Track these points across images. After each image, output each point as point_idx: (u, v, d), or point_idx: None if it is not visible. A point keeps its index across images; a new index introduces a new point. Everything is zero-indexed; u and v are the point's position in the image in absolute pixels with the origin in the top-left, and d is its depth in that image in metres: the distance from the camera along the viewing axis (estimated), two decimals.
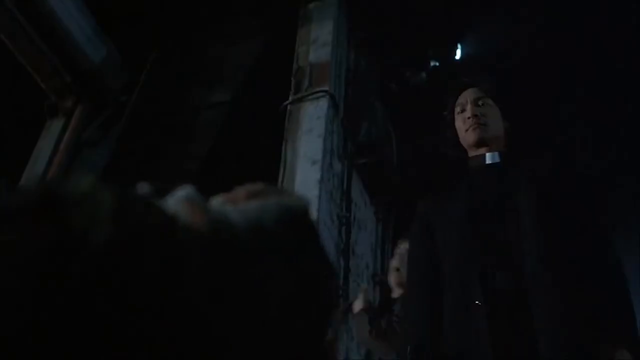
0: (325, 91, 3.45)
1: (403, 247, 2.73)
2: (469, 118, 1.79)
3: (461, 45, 4.28)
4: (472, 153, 1.81)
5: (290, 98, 3.52)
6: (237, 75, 4.10)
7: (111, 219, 0.31)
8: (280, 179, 3.18)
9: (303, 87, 3.51)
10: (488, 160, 1.77)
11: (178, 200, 0.39)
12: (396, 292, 2.78)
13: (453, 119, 1.88)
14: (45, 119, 4.09)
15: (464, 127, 1.81)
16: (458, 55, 4.28)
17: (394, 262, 2.85)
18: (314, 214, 1.81)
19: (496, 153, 1.78)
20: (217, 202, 0.45)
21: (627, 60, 4.11)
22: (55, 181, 0.33)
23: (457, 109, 1.86)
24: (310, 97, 3.46)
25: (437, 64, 4.33)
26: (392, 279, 2.83)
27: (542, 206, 1.59)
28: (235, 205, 0.44)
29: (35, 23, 3.70)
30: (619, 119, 4.50)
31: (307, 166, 3.16)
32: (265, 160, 3.40)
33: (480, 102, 1.81)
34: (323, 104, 3.42)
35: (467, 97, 1.85)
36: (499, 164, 1.76)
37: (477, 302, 1.51)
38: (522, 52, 4.16)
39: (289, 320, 0.39)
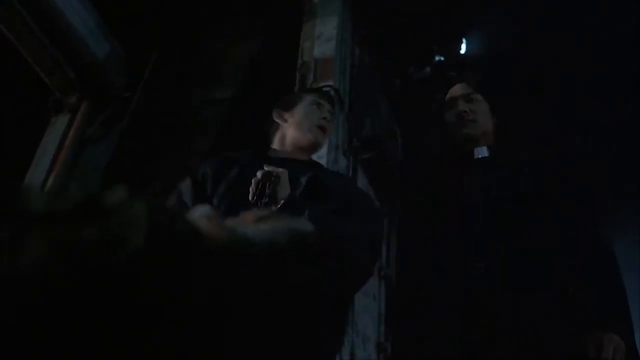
0: (330, 86, 3.44)
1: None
2: (458, 114, 1.80)
3: (466, 39, 4.27)
4: (461, 148, 1.82)
5: None
6: (239, 73, 4.10)
7: (146, 225, 0.35)
8: None
9: (308, 82, 3.50)
10: (477, 155, 1.79)
11: (199, 216, 0.44)
12: None
13: (443, 115, 1.89)
14: (49, 115, 4.09)
15: (453, 122, 1.83)
16: (463, 50, 4.28)
17: None
18: None
19: (485, 147, 1.80)
20: (230, 222, 0.50)
21: (627, 60, 4.10)
22: (97, 191, 0.37)
23: (447, 105, 1.87)
24: None
25: (442, 58, 4.33)
26: None
27: (528, 199, 1.60)
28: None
29: (38, 17, 3.69)
30: (619, 119, 4.50)
31: None
32: None
33: (469, 98, 1.82)
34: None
35: (456, 92, 1.86)
36: (487, 158, 1.77)
37: (459, 294, 1.52)
38: (522, 47, 4.15)
39: (298, 319, 0.44)
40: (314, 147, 1.81)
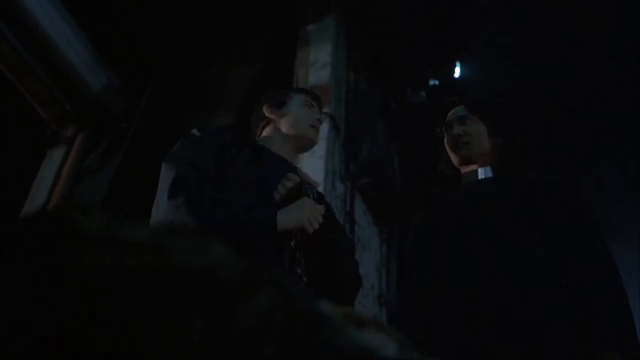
0: (326, 113, 3.45)
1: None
2: (452, 137, 1.81)
3: (460, 63, 4.31)
4: (464, 170, 1.83)
5: None
6: (237, 98, 4.12)
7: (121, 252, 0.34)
8: None
9: None
10: (480, 176, 1.79)
11: None
12: None
13: (443, 138, 1.90)
14: (46, 148, 4.10)
15: (449, 146, 1.84)
16: (457, 74, 4.31)
17: None
18: None
19: (488, 168, 1.80)
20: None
21: (621, 80, 4.13)
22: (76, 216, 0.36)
23: (445, 128, 1.88)
24: None
25: (437, 82, 4.36)
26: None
27: (532, 220, 1.59)
28: None
29: (35, 52, 3.72)
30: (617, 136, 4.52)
31: None
32: None
33: (463, 121, 1.83)
34: (324, 125, 3.42)
35: (451, 116, 1.88)
36: (491, 179, 1.77)
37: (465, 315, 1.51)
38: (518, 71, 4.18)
39: None
40: (310, 146, 1.85)
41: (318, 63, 3.71)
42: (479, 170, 1.77)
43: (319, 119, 1.81)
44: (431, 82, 4.39)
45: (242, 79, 4.20)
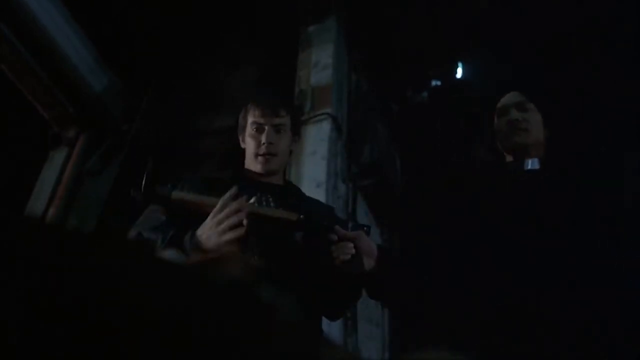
0: (328, 114, 3.45)
1: None
2: (510, 122, 1.74)
3: (462, 64, 4.30)
4: (509, 158, 1.76)
5: None
6: (239, 100, 4.10)
7: None
8: None
9: (305, 110, 3.51)
10: (527, 166, 1.72)
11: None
12: None
13: (493, 121, 1.82)
14: (48, 150, 4.09)
15: (504, 131, 1.76)
16: (459, 74, 4.30)
17: None
18: None
19: (536, 159, 1.73)
20: None
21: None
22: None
23: (498, 112, 1.81)
24: (312, 120, 3.46)
25: (439, 83, 4.35)
26: None
27: (579, 219, 1.53)
28: None
29: (37, 54, 3.71)
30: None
31: (311, 188, 3.14)
32: None
33: (522, 107, 1.77)
34: (326, 126, 3.42)
35: (508, 100, 1.80)
36: (538, 171, 1.70)
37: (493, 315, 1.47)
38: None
39: None
40: (269, 174, 1.78)
41: (319, 65, 3.71)
42: (528, 160, 1.69)
43: (264, 143, 1.75)
44: (433, 83, 4.38)
45: (244, 81, 4.19)
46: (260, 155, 1.73)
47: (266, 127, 1.77)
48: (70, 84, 3.89)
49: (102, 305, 0.31)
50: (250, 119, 1.81)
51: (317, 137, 3.39)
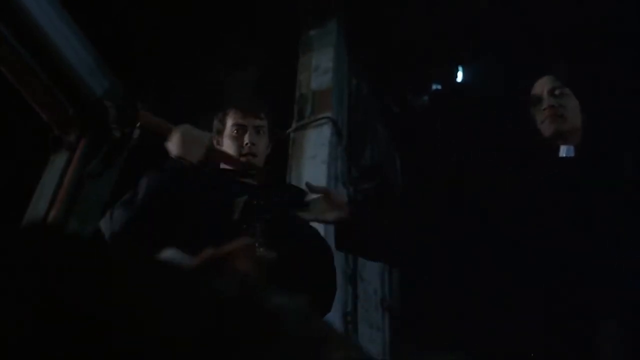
0: (328, 118, 3.45)
1: None
2: (545, 109, 1.69)
3: (462, 67, 4.30)
4: (545, 144, 1.70)
5: (294, 125, 3.52)
6: (239, 100, 4.10)
7: None
8: None
9: (306, 114, 3.52)
10: (562, 153, 1.67)
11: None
12: None
13: (528, 107, 1.77)
14: (48, 154, 4.08)
15: (540, 118, 1.71)
16: (459, 78, 4.30)
17: None
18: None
19: (572, 147, 1.68)
20: None
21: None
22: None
23: (533, 99, 1.76)
24: (313, 124, 3.47)
25: (439, 86, 4.35)
26: None
27: (618, 212, 1.50)
28: None
29: (37, 55, 3.71)
30: None
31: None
32: None
33: (557, 92, 1.71)
34: (326, 130, 3.42)
35: (542, 86, 1.75)
36: (573, 159, 1.65)
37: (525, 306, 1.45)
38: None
39: None
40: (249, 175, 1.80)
41: (320, 68, 3.71)
42: (562, 147, 1.64)
43: (247, 144, 1.78)
44: (433, 87, 4.38)
45: (244, 83, 4.19)
46: (242, 155, 1.76)
47: (248, 128, 1.79)
48: (70, 85, 3.88)
49: (102, 306, 0.31)
50: (230, 122, 1.85)
51: (318, 141, 3.39)
